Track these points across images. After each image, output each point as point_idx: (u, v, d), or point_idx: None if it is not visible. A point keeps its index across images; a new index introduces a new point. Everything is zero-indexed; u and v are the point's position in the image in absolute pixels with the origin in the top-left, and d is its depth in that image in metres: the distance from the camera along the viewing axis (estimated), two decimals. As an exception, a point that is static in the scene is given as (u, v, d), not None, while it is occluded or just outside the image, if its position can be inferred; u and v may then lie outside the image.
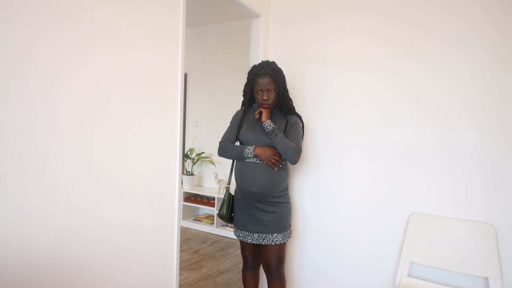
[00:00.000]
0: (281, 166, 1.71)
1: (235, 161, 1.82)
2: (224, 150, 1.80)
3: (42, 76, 1.08)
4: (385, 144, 1.92)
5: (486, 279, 1.65)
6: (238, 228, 1.81)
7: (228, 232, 3.72)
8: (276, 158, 1.69)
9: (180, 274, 2.69)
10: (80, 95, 1.20)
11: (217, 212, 2.00)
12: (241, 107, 1.89)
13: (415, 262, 1.79)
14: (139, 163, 1.46)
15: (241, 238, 1.79)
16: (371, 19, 1.95)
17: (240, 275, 2.73)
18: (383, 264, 1.93)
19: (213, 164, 4.02)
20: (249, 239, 1.75)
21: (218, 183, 3.81)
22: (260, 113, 1.75)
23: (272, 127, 1.69)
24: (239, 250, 3.30)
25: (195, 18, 3.89)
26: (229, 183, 1.89)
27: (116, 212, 1.37)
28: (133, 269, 1.47)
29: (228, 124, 1.87)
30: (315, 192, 2.14)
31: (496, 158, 1.65)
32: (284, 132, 1.74)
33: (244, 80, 1.82)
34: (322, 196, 2.12)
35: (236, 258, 3.12)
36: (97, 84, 1.26)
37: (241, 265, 2.91)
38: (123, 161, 1.39)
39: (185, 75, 4.26)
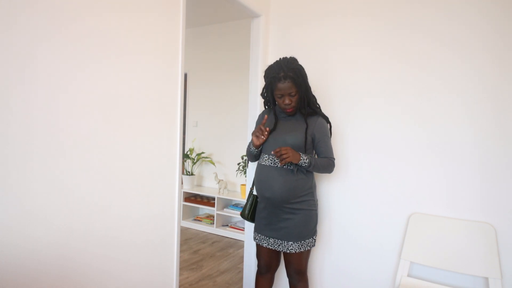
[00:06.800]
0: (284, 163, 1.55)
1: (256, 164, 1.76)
2: (247, 154, 1.82)
3: (44, 77, 1.08)
4: (385, 144, 1.92)
5: (486, 279, 1.65)
6: (255, 230, 1.77)
7: (228, 232, 3.72)
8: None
9: (180, 274, 2.69)
10: (81, 96, 1.20)
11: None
12: (264, 107, 1.83)
13: (415, 262, 1.79)
14: (139, 163, 1.46)
15: (257, 241, 1.75)
16: (370, 22, 1.95)
17: (241, 275, 2.73)
18: (383, 264, 1.93)
19: (213, 164, 4.01)
20: (265, 243, 1.71)
21: (218, 183, 3.80)
22: (278, 151, 1.53)
23: (307, 163, 1.58)
24: (239, 250, 3.32)
25: (195, 18, 3.89)
26: (252, 185, 1.84)
27: (116, 211, 1.37)
28: (133, 268, 1.47)
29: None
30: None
31: (496, 159, 1.65)
32: (305, 137, 1.63)
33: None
34: (320, 196, 2.12)
35: (236, 258, 3.13)
36: (97, 85, 1.26)
37: (241, 265, 2.92)
38: (123, 161, 1.39)
39: (185, 75, 4.26)
